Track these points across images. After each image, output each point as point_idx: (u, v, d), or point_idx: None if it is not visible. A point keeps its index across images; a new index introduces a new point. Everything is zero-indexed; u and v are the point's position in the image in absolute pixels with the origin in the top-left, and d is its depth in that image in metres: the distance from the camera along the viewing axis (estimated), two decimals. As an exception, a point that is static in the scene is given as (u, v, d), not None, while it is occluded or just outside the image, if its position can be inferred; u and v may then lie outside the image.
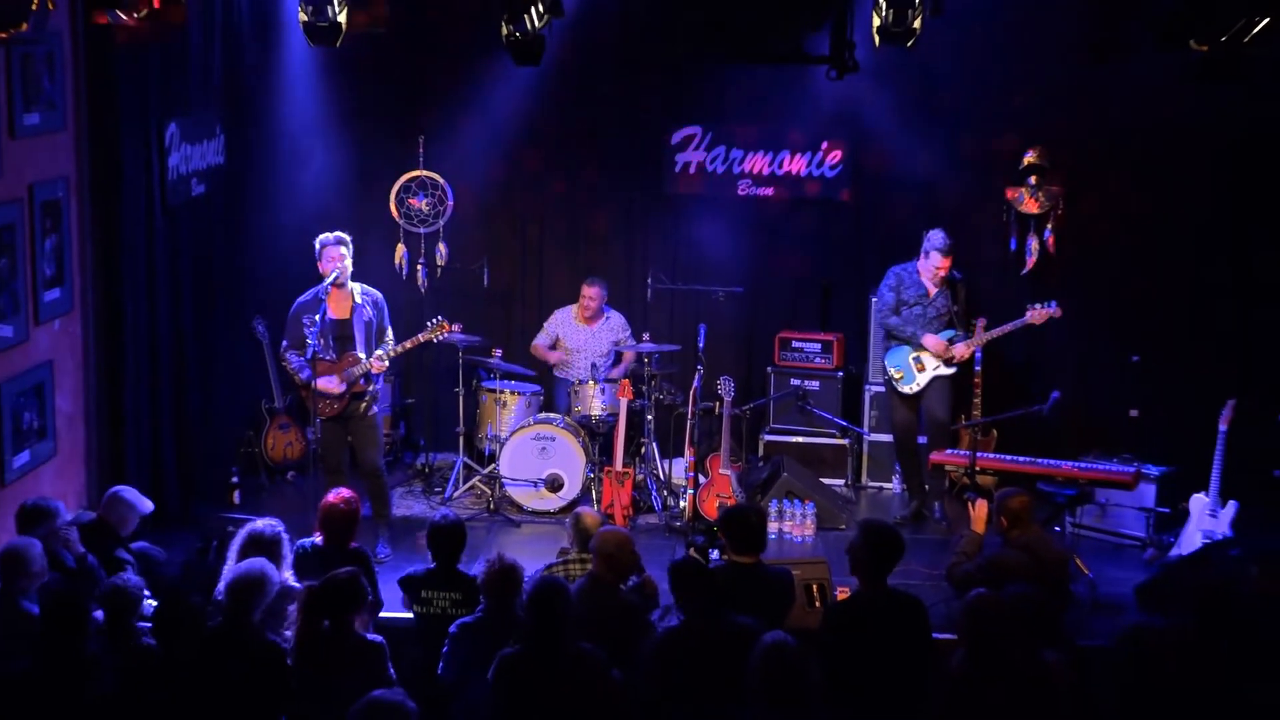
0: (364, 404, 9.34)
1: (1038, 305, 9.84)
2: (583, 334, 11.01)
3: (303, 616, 6.30)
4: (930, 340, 10.01)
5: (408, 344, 9.46)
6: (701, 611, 6.22)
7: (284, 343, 9.35)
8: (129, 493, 7.97)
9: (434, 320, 9.55)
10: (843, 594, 7.48)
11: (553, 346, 11.11)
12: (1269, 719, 5.99)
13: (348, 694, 5.50)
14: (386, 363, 9.32)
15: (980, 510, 7.93)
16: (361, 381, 9.22)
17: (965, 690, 5.88)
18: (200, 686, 5.90)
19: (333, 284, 9.05)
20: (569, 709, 5.88)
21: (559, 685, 5.88)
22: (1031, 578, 6.99)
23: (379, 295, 9.49)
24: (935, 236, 9.97)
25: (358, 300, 9.28)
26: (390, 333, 9.46)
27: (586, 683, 5.93)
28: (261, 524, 6.98)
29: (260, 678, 6.00)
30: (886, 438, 10.99)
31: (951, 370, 10.04)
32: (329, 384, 9.09)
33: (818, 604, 7.62)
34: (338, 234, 9.24)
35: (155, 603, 6.61)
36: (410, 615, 7.09)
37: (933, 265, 9.98)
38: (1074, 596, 8.33)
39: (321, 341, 9.02)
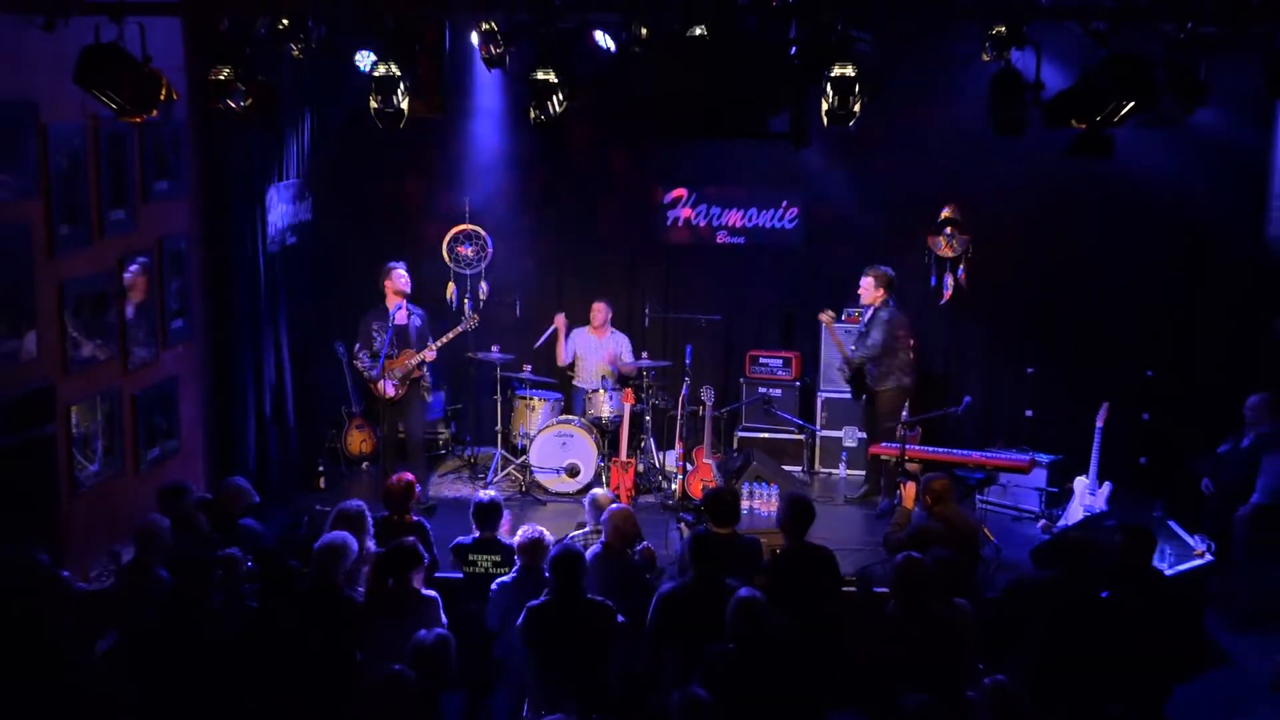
0: (421, 388, 9.95)
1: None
2: (592, 343, 10.99)
3: (372, 576, 6.34)
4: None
5: (450, 335, 10.10)
6: (706, 572, 6.25)
7: (356, 345, 9.85)
8: (241, 481, 8.01)
9: (466, 314, 10.35)
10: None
11: (570, 362, 11.11)
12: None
13: (409, 638, 5.55)
14: (435, 353, 9.91)
15: (909, 490, 7.96)
16: (419, 368, 9.83)
17: (896, 630, 5.92)
18: (293, 633, 5.94)
19: (398, 294, 9.84)
20: (582, 646, 5.93)
21: (575, 628, 5.93)
22: (949, 544, 7.01)
23: (423, 311, 10.13)
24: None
25: (408, 312, 9.97)
26: (430, 337, 9.98)
27: (597, 626, 5.97)
28: (350, 503, 7.02)
29: (340, 625, 6.04)
30: (835, 433, 11.05)
31: (880, 389, 10.04)
32: (387, 387, 9.69)
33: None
34: (399, 260, 10.08)
35: (258, 567, 6.65)
36: (461, 575, 7.12)
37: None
38: (982, 558, 8.36)
39: (384, 339, 9.74)
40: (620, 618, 6.07)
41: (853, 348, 10.10)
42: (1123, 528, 6.59)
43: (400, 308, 9.86)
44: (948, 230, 10.57)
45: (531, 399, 10.85)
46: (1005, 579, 8.28)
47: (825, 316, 10.46)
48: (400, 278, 9.90)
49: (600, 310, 10.93)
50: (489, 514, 7.10)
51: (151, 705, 5.58)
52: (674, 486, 10.13)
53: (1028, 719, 5.06)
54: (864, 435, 10.61)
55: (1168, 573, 8.09)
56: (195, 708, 5.66)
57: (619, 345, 11.02)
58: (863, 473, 10.70)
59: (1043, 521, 9.73)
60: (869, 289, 10.01)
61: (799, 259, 11.47)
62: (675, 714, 5.08)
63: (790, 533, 6.74)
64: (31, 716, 5.07)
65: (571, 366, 11.07)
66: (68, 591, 5.92)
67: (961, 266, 10.69)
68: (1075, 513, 9.30)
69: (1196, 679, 6.74)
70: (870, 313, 10.06)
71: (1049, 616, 6.08)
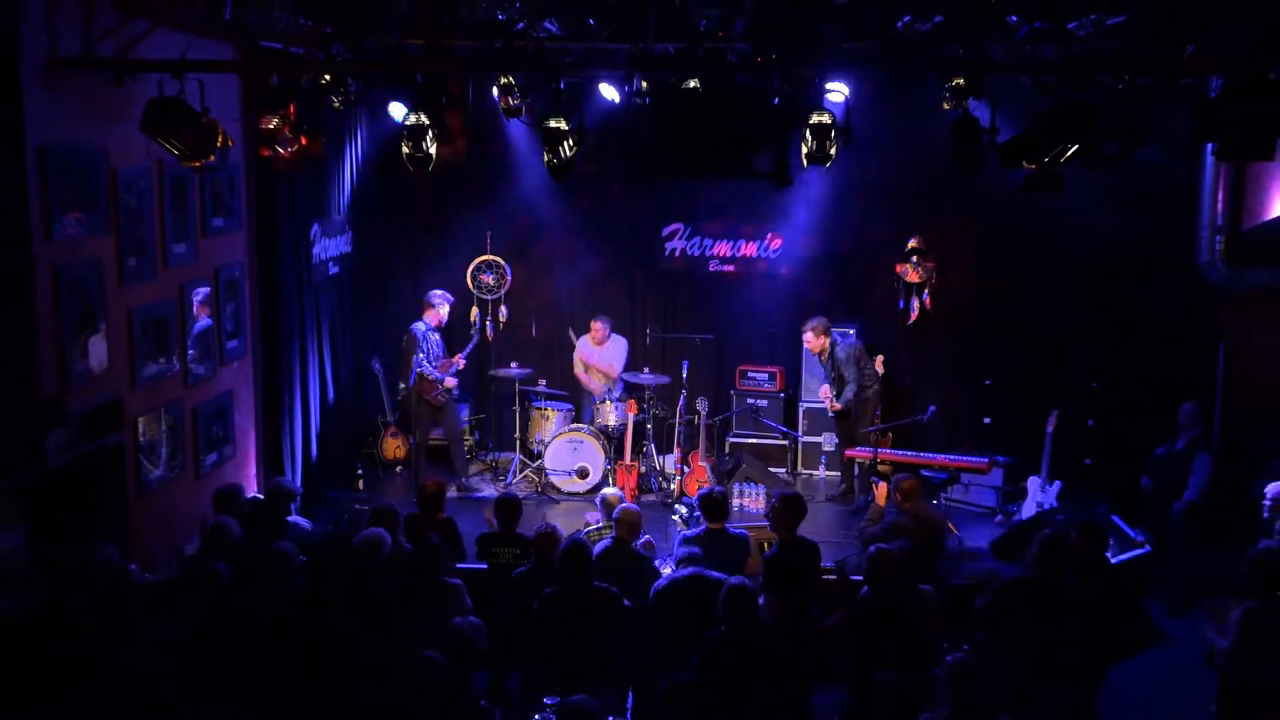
0: (451, 394, 10.33)
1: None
2: (595, 352, 10.96)
3: (403, 569, 6.34)
4: (821, 389, 10.34)
5: (468, 349, 10.51)
6: (697, 564, 6.23)
7: (417, 357, 10.05)
8: (285, 482, 8.02)
9: (473, 331, 10.67)
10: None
11: (585, 369, 11.09)
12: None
13: (437, 621, 5.54)
14: (464, 361, 10.40)
15: (881, 489, 7.95)
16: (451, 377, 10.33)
17: (869, 613, 5.92)
18: (334, 619, 5.93)
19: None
20: (591, 629, 5.93)
21: (584, 613, 5.92)
22: (917, 537, 7.02)
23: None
24: None
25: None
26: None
27: (604, 610, 5.97)
28: (385, 503, 7.02)
29: (376, 612, 6.03)
30: (815, 439, 11.05)
31: (842, 408, 10.13)
32: (451, 380, 10.25)
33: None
34: (448, 294, 10.47)
35: (304, 559, 6.64)
36: (484, 566, 7.11)
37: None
38: (947, 549, 8.35)
39: (433, 353, 10.19)
40: (626, 602, 6.07)
41: (837, 395, 10.12)
42: (1078, 525, 6.59)
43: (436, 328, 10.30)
44: (914, 258, 10.57)
45: (546, 409, 10.86)
46: (966, 566, 8.32)
47: (829, 404, 10.27)
48: (446, 310, 10.30)
49: (599, 327, 10.91)
50: (509, 511, 7.10)
51: (206, 684, 5.58)
52: (673, 487, 10.13)
53: (985, 692, 5.06)
54: (838, 440, 10.62)
55: (1112, 562, 8.09)
56: (246, 686, 5.66)
57: (615, 352, 10.94)
58: (840, 473, 10.69)
59: (999, 516, 9.72)
60: (813, 340, 10.15)
61: (782, 284, 11.46)
62: (664, 700, 5.05)
63: (785, 527, 6.70)
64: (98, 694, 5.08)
65: (586, 370, 11.06)
66: (134, 583, 5.93)
67: (927, 290, 10.70)
68: (1029, 508, 9.31)
69: (1139, 656, 6.74)
70: (829, 359, 10.13)
71: (1025, 611, 6.05)
